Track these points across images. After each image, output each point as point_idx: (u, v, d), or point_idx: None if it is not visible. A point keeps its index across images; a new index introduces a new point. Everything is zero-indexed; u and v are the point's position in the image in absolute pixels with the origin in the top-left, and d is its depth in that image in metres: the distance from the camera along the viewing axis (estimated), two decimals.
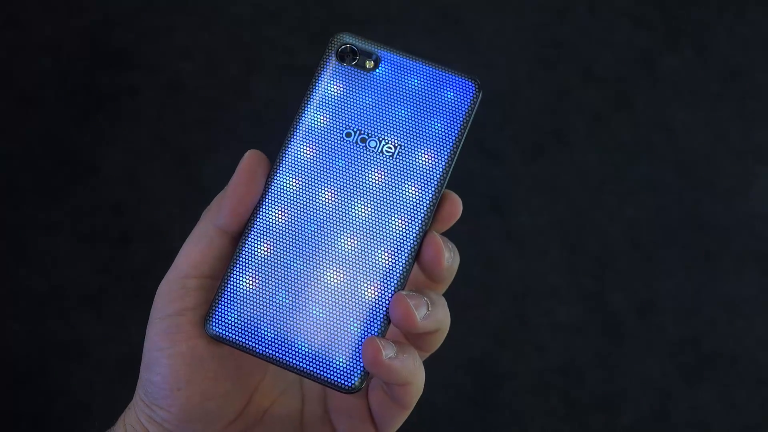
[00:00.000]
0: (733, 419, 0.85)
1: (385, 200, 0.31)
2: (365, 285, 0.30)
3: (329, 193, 0.31)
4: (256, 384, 0.33)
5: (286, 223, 0.31)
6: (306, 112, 0.32)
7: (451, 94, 0.31)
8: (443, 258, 0.30)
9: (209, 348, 0.30)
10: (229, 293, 0.31)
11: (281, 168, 0.32)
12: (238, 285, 0.31)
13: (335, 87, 0.32)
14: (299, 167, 0.32)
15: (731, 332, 0.87)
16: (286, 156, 0.32)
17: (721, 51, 0.98)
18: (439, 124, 0.31)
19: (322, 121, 0.32)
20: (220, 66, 0.97)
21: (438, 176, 0.31)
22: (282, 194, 0.31)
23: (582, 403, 0.85)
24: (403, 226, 0.30)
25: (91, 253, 0.89)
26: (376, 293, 0.30)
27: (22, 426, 0.84)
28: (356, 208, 0.31)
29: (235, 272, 0.31)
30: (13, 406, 0.84)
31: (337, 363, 0.30)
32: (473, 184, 0.92)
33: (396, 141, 0.31)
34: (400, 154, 0.31)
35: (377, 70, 0.32)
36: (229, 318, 0.30)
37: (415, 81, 0.32)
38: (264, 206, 0.31)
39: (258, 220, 0.31)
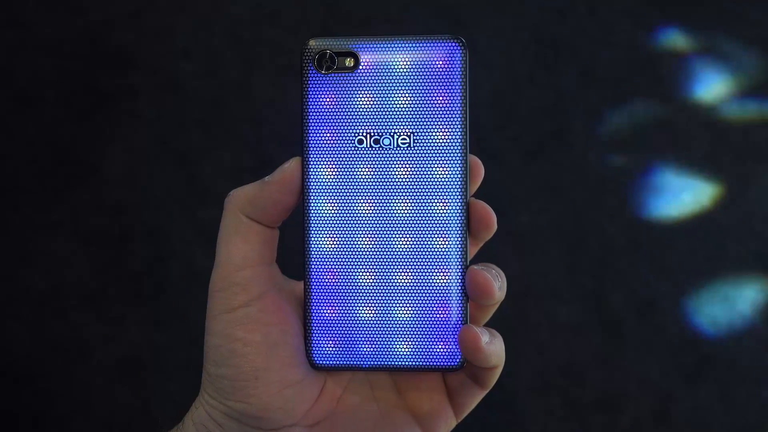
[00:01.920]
0: (733, 419, 0.85)
1: (420, 189, 0.32)
2: (434, 273, 0.31)
3: (369, 204, 0.32)
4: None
5: (340, 245, 0.32)
6: (311, 134, 0.32)
7: (440, 62, 0.31)
8: (492, 221, 0.32)
9: (283, 334, 0.31)
10: (317, 325, 0.32)
11: (314, 195, 0.32)
12: (321, 314, 0.32)
13: (327, 99, 0.32)
14: (331, 190, 0.32)
15: (731, 332, 0.87)
16: (314, 183, 0.32)
17: (721, 51, 0.98)
18: (440, 97, 0.31)
19: (329, 138, 0.32)
20: (220, 66, 0.97)
21: (458, 148, 0.32)
22: (325, 221, 0.32)
23: (582, 403, 0.85)
24: (446, 206, 0.32)
25: (91, 253, 0.89)
26: (446, 276, 0.32)
27: (22, 426, 0.84)
28: (398, 206, 0.32)
29: (314, 304, 0.32)
30: (13, 406, 0.84)
31: (437, 351, 0.32)
32: None
33: (407, 130, 0.32)
34: (416, 141, 0.32)
35: (360, 67, 0.32)
36: (327, 348, 0.32)
37: (400, 61, 0.31)
38: (313, 236, 0.32)
39: (313, 251, 0.32)
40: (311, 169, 0.32)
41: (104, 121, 0.94)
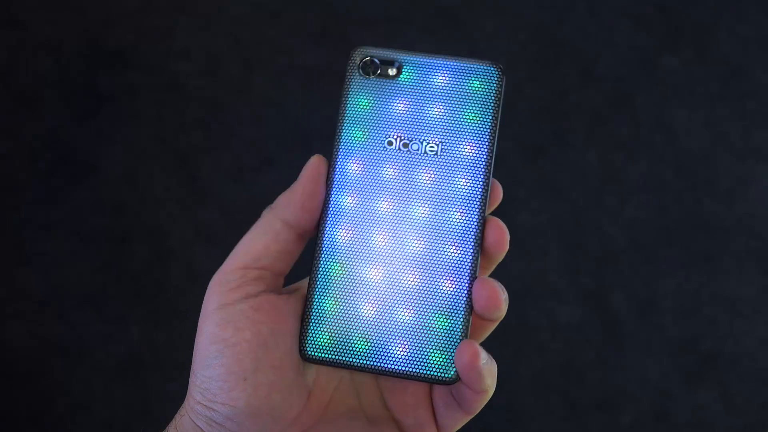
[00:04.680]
0: (733, 419, 0.85)
1: (440, 196, 0.32)
2: (441, 280, 0.32)
3: (388, 203, 0.32)
4: (315, 377, 0.33)
5: (354, 239, 0.32)
6: (344, 131, 0.33)
7: (477, 83, 0.33)
8: (506, 240, 0.32)
9: (274, 335, 0.30)
10: (316, 316, 0.32)
11: (336, 189, 0.33)
12: (322, 307, 0.32)
13: (365, 101, 0.33)
14: (353, 185, 0.33)
15: (731, 332, 0.87)
16: (338, 177, 0.33)
17: (721, 51, 0.98)
18: (472, 113, 0.33)
19: (361, 136, 0.33)
20: (220, 66, 0.97)
21: (484, 162, 0.32)
22: (343, 214, 0.32)
23: (582, 403, 0.85)
24: (463, 216, 0.32)
25: (91, 253, 0.89)
26: (454, 285, 0.32)
27: (22, 426, 0.84)
28: (416, 210, 0.32)
29: (317, 295, 0.32)
30: (13, 406, 0.84)
31: (433, 359, 0.31)
32: None
33: (436, 139, 0.33)
34: (443, 150, 0.33)
35: (401, 76, 0.33)
36: (322, 340, 0.31)
37: (440, 78, 0.33)
38: (328, 228, 0.32)
39: (325, 242, 0.32)
40: (338, 163, 0.33)
41: (104, 121, 0.94)
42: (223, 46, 0.97)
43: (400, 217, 0.32)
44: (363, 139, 0.33)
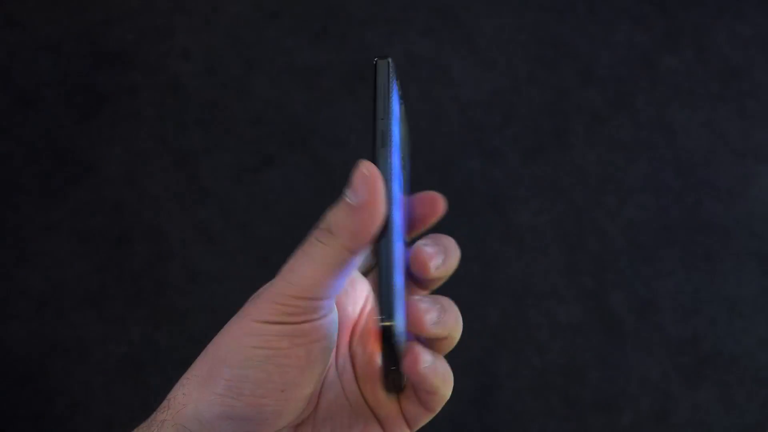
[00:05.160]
0: (733, 419, 0.85)
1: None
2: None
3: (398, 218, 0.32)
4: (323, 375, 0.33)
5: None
6: (394, 145, 0.32)
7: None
8: (430, 266, 0.31)
9: (322, 354, 0.30)
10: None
11: (391, 204, 0.30)
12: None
13: (396, 112, 0.33)
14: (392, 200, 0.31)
15: (731, 332, 0.87)
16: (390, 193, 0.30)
17: (721, 51, 0.98)
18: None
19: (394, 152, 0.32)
20: (220, 66, 0.97)
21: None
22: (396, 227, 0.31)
23: (582, 403, 0.85)
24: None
25: (91, 253, 0.89)
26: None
27: (22, 426, 0.84)
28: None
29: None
30: (13, 406, 0.84)
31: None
32: (473, 184, 0.92)
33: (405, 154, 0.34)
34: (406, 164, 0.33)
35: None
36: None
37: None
38: (395, 243, 0.30)
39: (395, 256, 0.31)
40: (392, 181, 0.31)
41: (104, 121, 0.94)
42: (223, 46, 0.98)
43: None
44: (394, 156, 0.32)
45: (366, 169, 0.29)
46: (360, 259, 0.31)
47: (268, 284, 0.31)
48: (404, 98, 0.35)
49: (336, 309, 0.32)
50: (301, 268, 0.30)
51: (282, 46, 0.97)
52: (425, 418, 0.33)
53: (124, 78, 0.96)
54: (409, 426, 0.33)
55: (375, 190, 0.29)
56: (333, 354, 0.34)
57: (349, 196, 0.29)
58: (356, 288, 0.35)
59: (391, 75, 0.32)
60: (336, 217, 0.30)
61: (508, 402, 0.84)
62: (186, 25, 0.98)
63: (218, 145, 0.93)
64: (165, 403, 0.30)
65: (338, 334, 0.33)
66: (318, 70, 0.96)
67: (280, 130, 0.94)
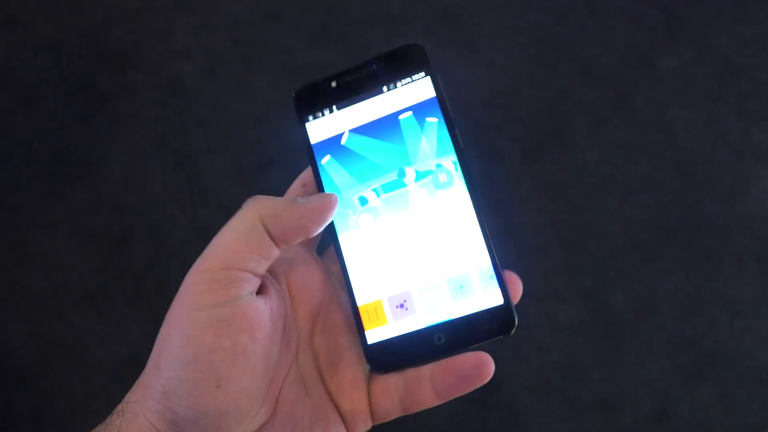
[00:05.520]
0: (733, 419, 0.85)
1: None
2: None
3: None
4: (281, 378, 0.32)
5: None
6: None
7: None
8: None
9: (252, 343, 0.29)
10: None
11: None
12: None
13: None
14: None
15: (731, 332, 0.87)
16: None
17: (721, 51, 0.98)
18: None
19: None
20: (220, 66, 0.97)
21: None
22: None
23: (582, 403, 0.85)
24: None
25: (91, 253, 0.89)
26: None
27: (22, 426, 0.84)
28: None
29: None
30: (13, 406, 0.84)
31: None
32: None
33: None
34: None
35: None
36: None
37: None
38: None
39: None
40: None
41: (104, 121, 0.94)
42: (223, 46, 0.98)
43: None
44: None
45: (333, 200, 0.32)
46: (279, 246, 0.31)
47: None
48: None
49: (267, 300, 0.31)
50: (218, 238, 0.31)
51: (282, 46, 0.97)
52: (395, 416, 0.33)
53: (124, 78, 0.95)
54: (374, 419, 0.33)
55: (328, 207, 0.32)
56: (293, 352, 0.33)
57: (309, 213, 0.31)
58: (313, 277, 0.35)
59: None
60: (270, 199, 0.31)
61: (508, 402, 0.84)
62: (186, 25, 0.98)
63: (218, 145, 0.93)
64: (120, 407, 0.30)
65: (298, 329, 0.33)
66: (318, 70, 0.96)
67: (280, 130, 0.94)
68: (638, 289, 0.89)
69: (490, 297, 0.35)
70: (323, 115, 0.38)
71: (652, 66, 0.97)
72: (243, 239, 0.30)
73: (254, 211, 0.31)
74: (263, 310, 0.30)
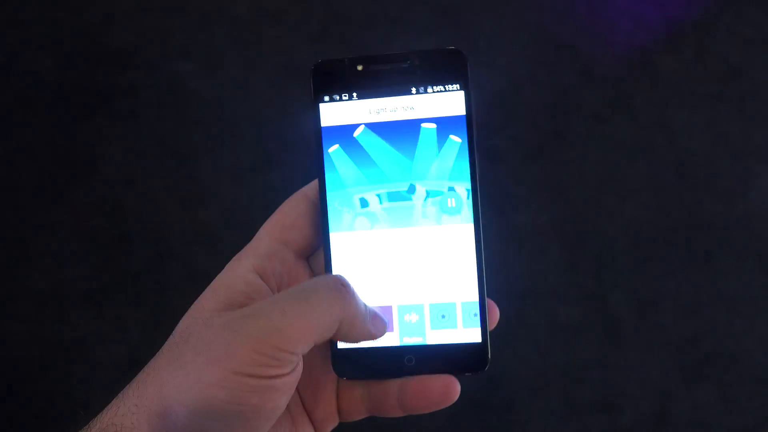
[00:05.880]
0: (733, 419, 0.85)
1: None
2: None
3: None
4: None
5: None
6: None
7: None
8: None
9: (286, 399, 0.29)
10: None
11: None
12: None
13: None
14: None
15: (731, 332, 0.87)
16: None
17: (721, 51, 0.98)
18: None
19: None
20: (220, 66, 0.97)
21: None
22: None
23: (582, 403, 0.85)
24: None
25: (91, 253, 0.89)
26: None
27: (22, 426, 0.84)
28: None
29: None
30: (13, 406, 0.84)
31: None
32: None
33: None
34: None
35: None
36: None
37: None
38: None
39: None
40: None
41: (104, 121, 0.94)
42: (223, 46, 0.98)
43: None
44: None
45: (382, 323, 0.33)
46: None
47: (244, 310, 0.29)
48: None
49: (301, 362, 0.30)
50: (292, 309, 0.29)
51: (282, 46, 0.97)
52: (362, 416, 0.34)
53: (124, 78, 0.96)
54: (342, 419, 0.34)
55: (380, 334, 0.32)
56: None
57: (376, 330, 0.32)
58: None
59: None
60: (357, 308, 0.31)
61: (508, 402, 0.84)
62: (186, 25, 0.98)
63: (218, 145, 0.93)
64: (111, 428, 0.29)
65: None
66: None
67: (280, 130, 0.94)
68: (638, 289, 0.89)
69: (470, 333, 0.34)
70: (340, 99, 0.35)
71: (652, 66, 0.97)
72: (316, 331, 0.29)
73: (338, 309, 0.30)
74: (300, 372, 0.30)
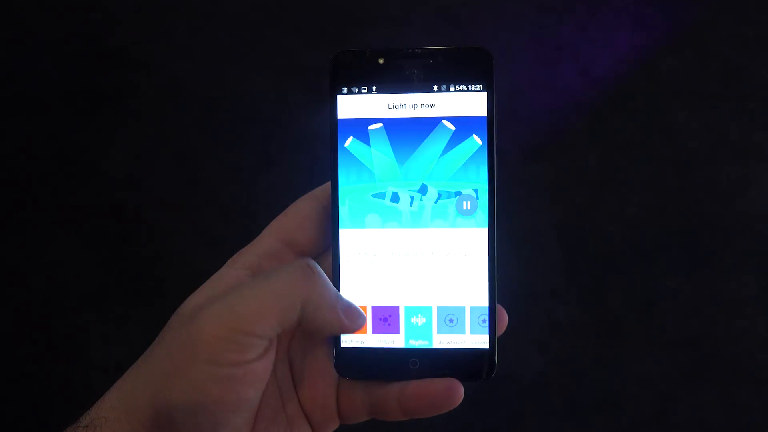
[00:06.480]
0: (733, 419, 0.85)
1: None
2: None
3: None
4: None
5: None
6: None
7: None
8: None
9: (257, 393, 0.30)
10: None
11: None
12: None
13: None
14: None
15: (731, 332, 0.87)
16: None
17: (722, 51, 0.98)
18: None
19: None
20: (220, 66, 0.97)
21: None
22: None
23: (582, 403, 0.85)
24: None
25: (91, 253, 0.89)
26: None
27: (22, 426, 0.84)
28: None
29: None
30: (13, 405, 0.84)
31: None
32: None
33: None
34: None
35: None
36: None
37: None
38: None
39: None
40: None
41: (104, 121, 0.94)
42: (223, 46, 0.97)
43: None
44: None
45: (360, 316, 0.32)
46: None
47: (208, 302, 0.29)
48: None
49: (273, 351, 0.30)
50: (250, 291, 0.29)
51: (282, 46, 0.97)
52: (363, 418, 0.34)
53: (124, 78, 0.95)
54: (342, 421, 0.34)
55: (357, 327, 0.32)
56: (273, 366, 0.33)
57: (350, 321, 0.31)
58: None
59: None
60: (323, 289, 0.30)
61: (508, 402, 0.84)
62: (186, 25, 0.98)
63: (218, 145, 0.93)
64: (97, 420, 0.29)
65: (279, 340, 0.33)
66: (318, 70, 0.96)
67: (280, 130, 0.94)
68: (638, 289, 0.89)
69: (477, 339, 0.34)
70: (359, 92, 0.34)
71: (652, 66, 0.97)
72: (276, 312, 0.29)
73: (301, 289, 0.30)
74: (270, 363, 0.30)
